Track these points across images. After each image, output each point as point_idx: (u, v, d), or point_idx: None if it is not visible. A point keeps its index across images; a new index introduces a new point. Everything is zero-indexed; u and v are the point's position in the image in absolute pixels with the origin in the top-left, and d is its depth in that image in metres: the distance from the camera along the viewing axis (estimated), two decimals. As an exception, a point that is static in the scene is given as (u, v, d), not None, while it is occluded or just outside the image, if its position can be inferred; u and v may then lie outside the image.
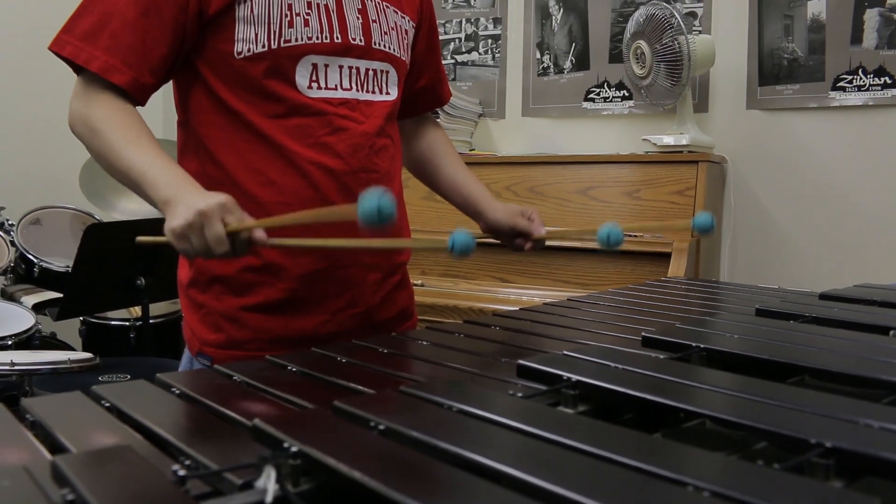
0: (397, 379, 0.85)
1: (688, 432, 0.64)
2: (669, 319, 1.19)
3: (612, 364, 0.78)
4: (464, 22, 3.07)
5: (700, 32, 2.58)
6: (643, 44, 2.40)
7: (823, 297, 1.35)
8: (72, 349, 3.07)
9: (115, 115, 1.10)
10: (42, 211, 3.20)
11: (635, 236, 2.25)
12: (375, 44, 1.24)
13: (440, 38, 1.40)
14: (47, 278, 3.00)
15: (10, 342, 2.44)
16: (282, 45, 1.15)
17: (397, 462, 0.52)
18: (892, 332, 1.05)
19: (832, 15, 2.38)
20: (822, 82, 2.40)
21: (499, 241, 1.39)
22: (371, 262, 1.24)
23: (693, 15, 2.61)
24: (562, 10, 2.85)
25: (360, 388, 0.80)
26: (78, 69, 1.13)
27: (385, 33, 1.27)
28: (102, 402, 0.74)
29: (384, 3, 1.28)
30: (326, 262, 1.19)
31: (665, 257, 2.18)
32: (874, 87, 2.32)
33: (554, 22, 2.87)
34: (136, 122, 1.12)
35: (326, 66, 1.19)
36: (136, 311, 2.94)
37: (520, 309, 1.35)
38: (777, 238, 2.52)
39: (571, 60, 2.85)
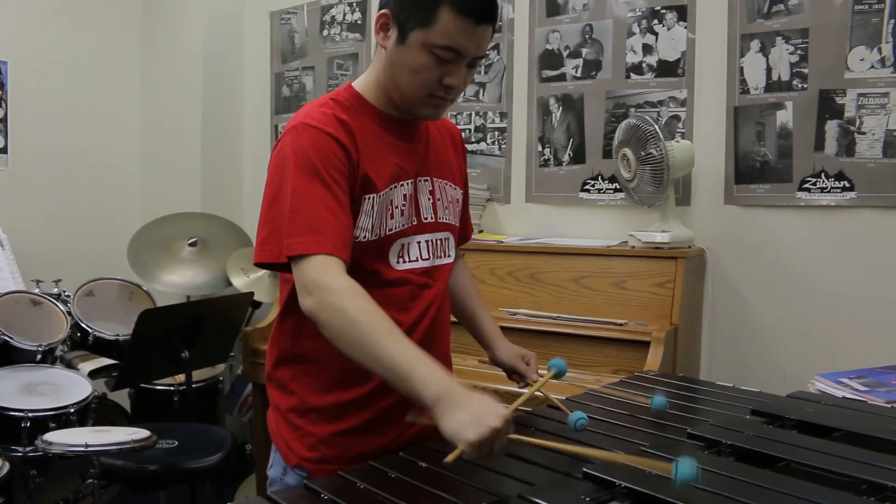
0: (438, 499, 1.14)
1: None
2: (611, 446, 1.43)
3: None
4: (473, 115, 3.41)
5: (683, 135, 2.88)
6: (628, 151, 2.71)
7: (754, 412, 1.62)
8: (123, 409, 3.43)
9: (369, 308, 1.26)
10: (94, 283, 3.53)
11: (620, 325, 2.55)
12: (441, 218, 1.56)
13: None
14: (100, 345, 3.33)
15: (71, 410, 2.79)
16: (385, 233, 1.44)
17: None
18: (782, 464, 1.30)
19: (798, 124, 2.67)
20: (789, 183, 2.69)
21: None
22: None
23: (677, 118, 2.91)
24: (561, 108, 3.17)
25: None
26: (299, 258, 1.30)
27: (446, 208, 1.58)
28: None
29: (443, 181, 1.58)
30: (396, 397, 1.33)
31: (646, 345, 2.46)
32: (835, 190, 2.61)
33: (554, 119, 3.19)
34: (388, 317, 1.26)
35: (409, 244, 1.49)
36: (179, 377, 3.29)
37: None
38: (751, 323, 2.78)
39: (569, 154, 3.16)
